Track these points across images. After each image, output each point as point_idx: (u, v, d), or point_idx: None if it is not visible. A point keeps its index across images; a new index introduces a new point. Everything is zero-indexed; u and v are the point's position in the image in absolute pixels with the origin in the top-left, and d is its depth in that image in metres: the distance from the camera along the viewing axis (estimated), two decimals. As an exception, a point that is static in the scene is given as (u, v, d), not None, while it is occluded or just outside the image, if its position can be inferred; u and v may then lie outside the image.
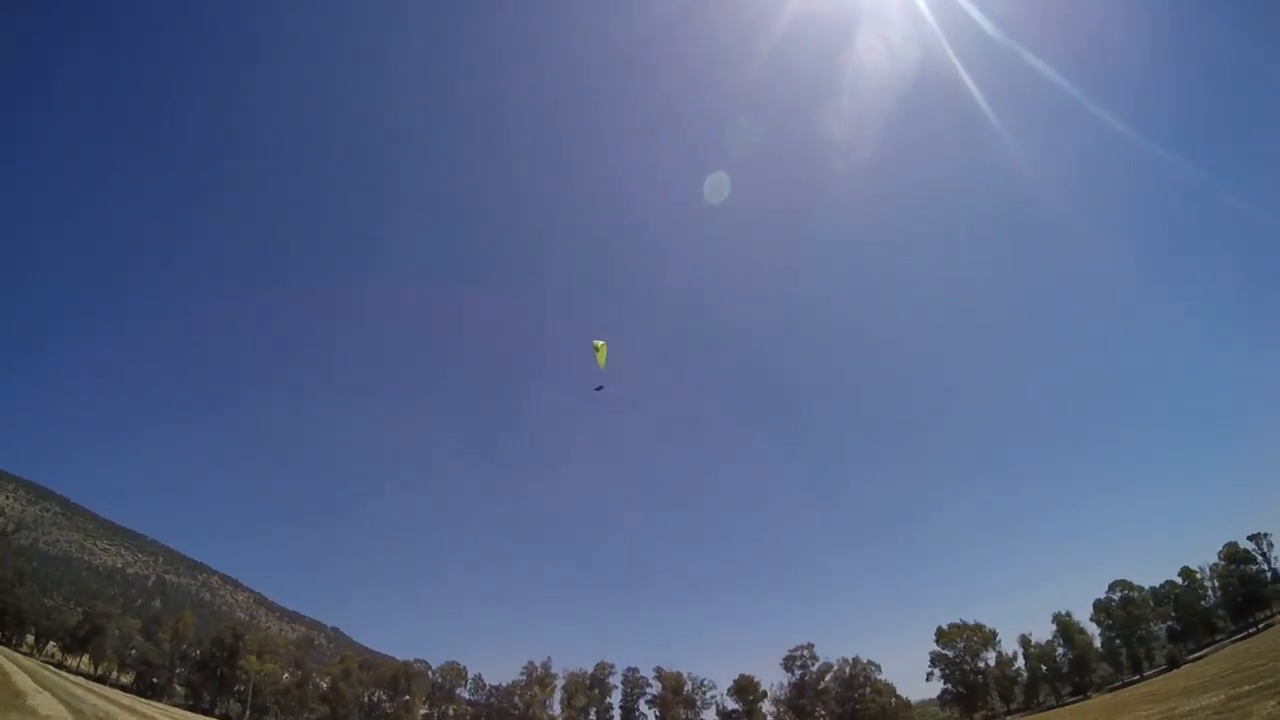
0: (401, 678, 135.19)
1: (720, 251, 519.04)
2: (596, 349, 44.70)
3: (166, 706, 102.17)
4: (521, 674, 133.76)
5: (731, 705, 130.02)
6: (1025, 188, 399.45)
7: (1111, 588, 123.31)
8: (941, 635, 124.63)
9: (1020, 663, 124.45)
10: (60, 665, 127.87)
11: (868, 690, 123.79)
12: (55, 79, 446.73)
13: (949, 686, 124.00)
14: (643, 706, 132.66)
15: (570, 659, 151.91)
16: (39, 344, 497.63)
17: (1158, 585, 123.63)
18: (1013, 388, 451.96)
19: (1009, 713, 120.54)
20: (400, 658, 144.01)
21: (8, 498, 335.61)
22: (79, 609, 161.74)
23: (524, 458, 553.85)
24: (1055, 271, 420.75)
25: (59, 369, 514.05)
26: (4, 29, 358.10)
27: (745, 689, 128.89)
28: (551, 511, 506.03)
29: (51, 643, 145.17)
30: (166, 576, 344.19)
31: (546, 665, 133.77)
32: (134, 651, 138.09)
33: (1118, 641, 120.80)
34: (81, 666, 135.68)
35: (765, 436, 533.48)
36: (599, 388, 46.86)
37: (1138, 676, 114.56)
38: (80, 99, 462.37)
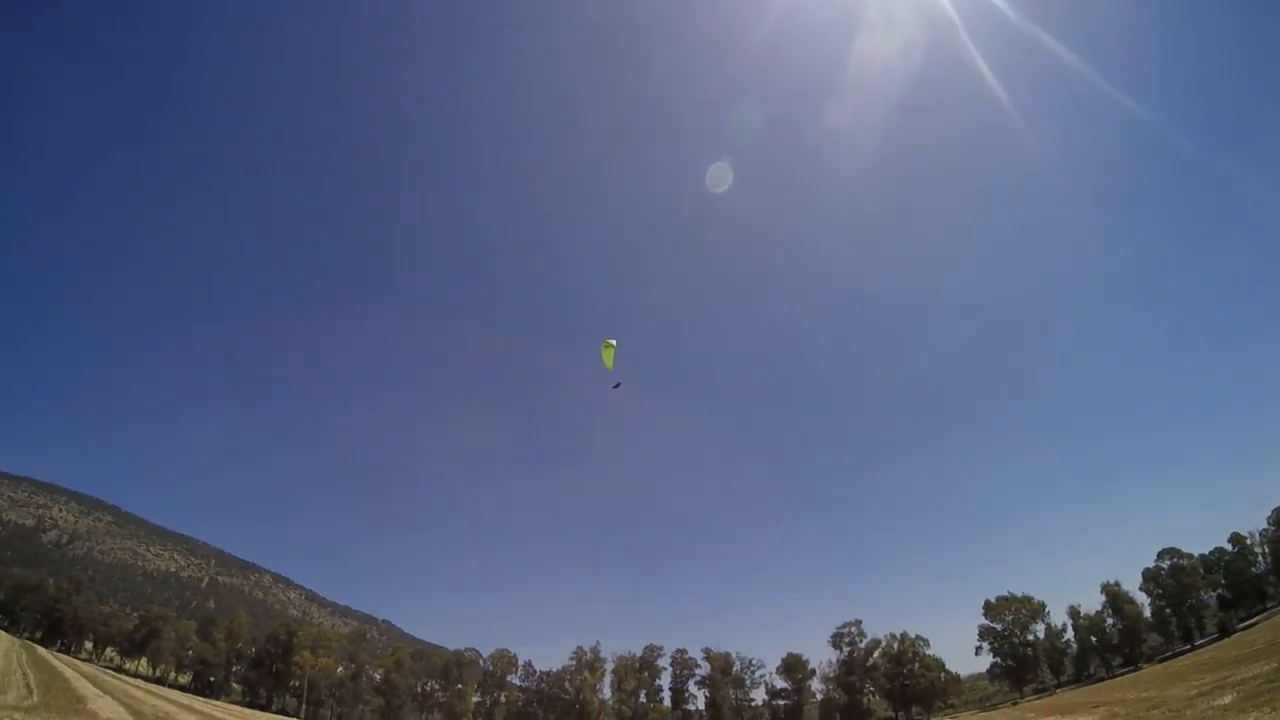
0: (453, 667, 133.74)
1: (747, 232, 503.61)
2: (606, 347, 42.97)
3: (224, 704, 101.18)
4: (571, 659, 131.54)
5: (780, 684, 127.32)
6: (1042, 174, 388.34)
7: (1160, 556, 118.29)
8: (990, 608, 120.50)
9: (1070, 634, 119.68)
10: (119, 669, 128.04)
11: (916, 665, 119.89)
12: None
13: (998, 660, 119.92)
14: (692, 687, 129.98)
15: (619, 643, 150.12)
16: (86, 362, 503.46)
17: (1207, 552, 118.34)
18: (1059, 361, 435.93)
19: (1059, 685, 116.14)
20: (451, 647, 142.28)
21: (61, 510, 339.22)
22: (135, 614, 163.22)
23: (565, 446, 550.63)
24: (1089, 251, 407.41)
25: (103, 386, 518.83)
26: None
27: (794, 667, 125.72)
28: (596, 498, 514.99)
29: (110, 648, 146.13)
30: (219, 578, 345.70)
31: (596, 650, 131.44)
32: (190, 652, 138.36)
33: (1168, 611, 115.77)
34: (140, 669, 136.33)
35: (808, 417, 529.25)
36: (616, 385, 44.94)
37: (1188, 646, 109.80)
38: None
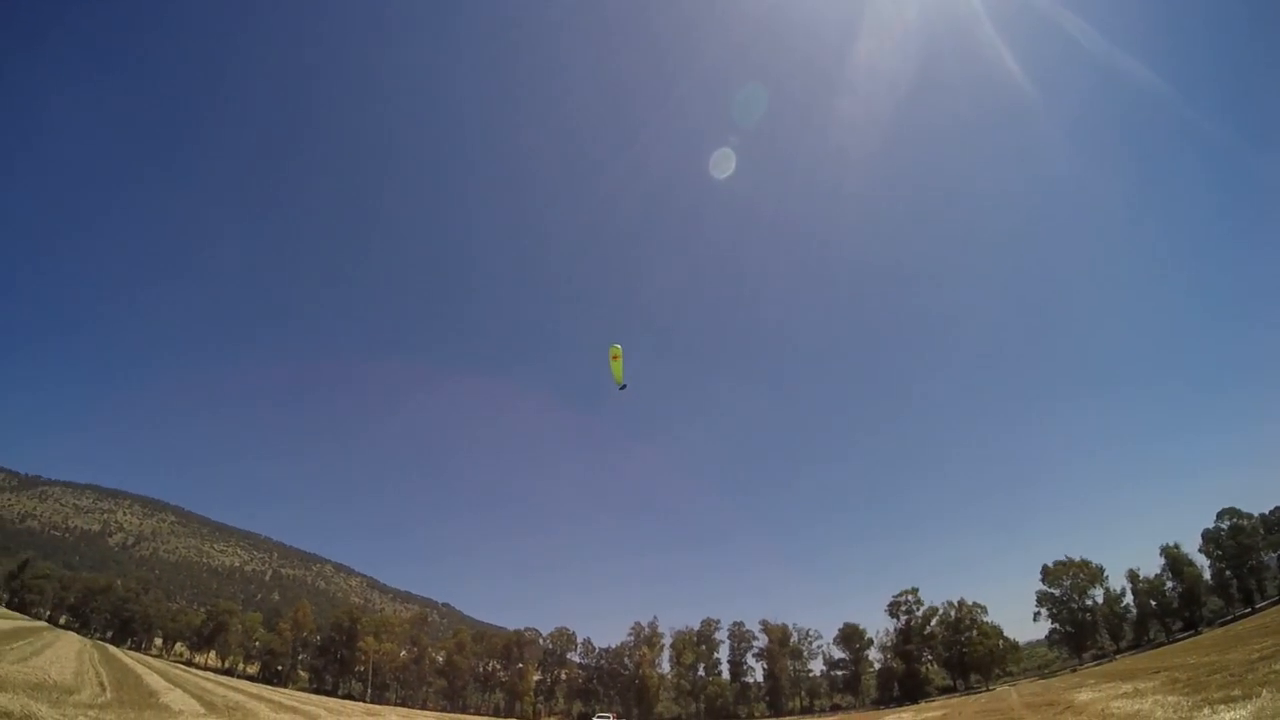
0: (514, 646, 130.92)
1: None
2: (614, 358, 40.21)
3: (292, 691, 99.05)
4: (629, 635, 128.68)
5: (838, 654, 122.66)
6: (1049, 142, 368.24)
7: (1220, 516, 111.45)
8: (1047, 573, 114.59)
9: (1129, 599, 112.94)
10: (189, 663, 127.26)
11: (974, 633, 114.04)
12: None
13: (1056, 626, 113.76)
14: (750, 659, 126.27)
15: (676, 617, 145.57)
16: (140, 368, 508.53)
17: (1268, 512, 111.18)
18: (1115, 318, 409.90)
19: (1118, 651, 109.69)
20: (511, 628, 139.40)
21: (125, 514, 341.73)
22: (202, 609, 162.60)
23: (619, 425, 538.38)
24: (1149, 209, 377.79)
25: (159, 391, 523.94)
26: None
27: (851, 637, 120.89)
28: (651, 477, 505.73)
29: (179, 643, 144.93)
30: (282, 570, 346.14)
31: (654, 625, 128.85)
32: (257, 643, 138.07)
33: (1228, 573, 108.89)
34: (209, 662, 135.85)
35: (856, 387, 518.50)
36: (623, 387, 41.85)
37: (1249, 609, 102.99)
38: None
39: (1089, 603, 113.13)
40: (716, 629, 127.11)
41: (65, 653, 52.25)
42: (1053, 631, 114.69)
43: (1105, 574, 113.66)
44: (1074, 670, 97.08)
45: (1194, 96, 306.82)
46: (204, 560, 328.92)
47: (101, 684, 37.22)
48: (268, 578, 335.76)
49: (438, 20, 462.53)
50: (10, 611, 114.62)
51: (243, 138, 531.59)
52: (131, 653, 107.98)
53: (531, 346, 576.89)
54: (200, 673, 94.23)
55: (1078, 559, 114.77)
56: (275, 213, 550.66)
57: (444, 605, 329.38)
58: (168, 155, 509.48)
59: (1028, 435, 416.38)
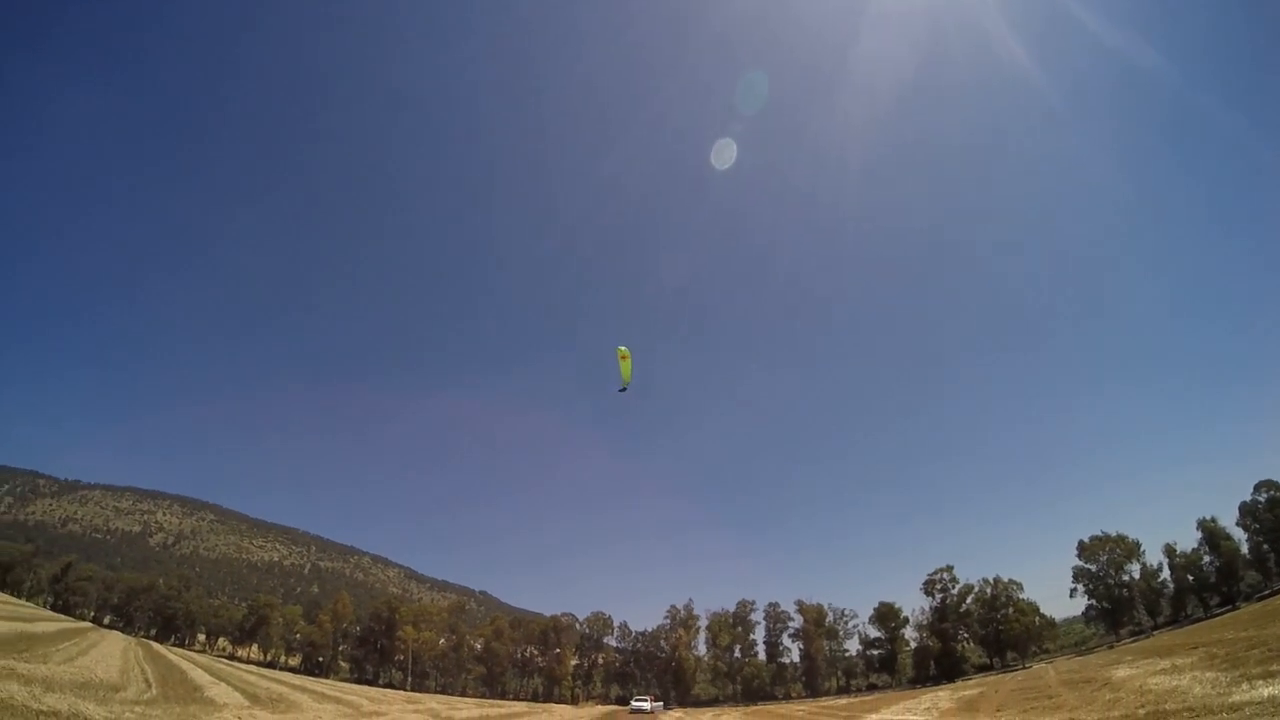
0: (551, 632, 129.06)
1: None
2: (622, 358, 38.92)
3: (334, 682, 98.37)
4: (665, 618, 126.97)
5: (874, 633, 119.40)
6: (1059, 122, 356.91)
7: (1257, 489, 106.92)
8: (1083, 549, 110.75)
9: (1166, 574, 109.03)
10: (232, 657, 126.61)
11: (1010, 610, 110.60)
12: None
13: (1093, 602, 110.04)
14: (786, 640, 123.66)
15: (712, 599, 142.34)
16: (175, 371, 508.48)
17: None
18: (1144, 294, 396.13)
19: (1156, 627, 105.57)
20: (548, 613, 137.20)
21: (165, 514, 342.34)
22: (243, 604, 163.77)
23: (651, 410, 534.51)
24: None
25: (195, 392, 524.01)
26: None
27: (887, 616, 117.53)
28: (681, 460, 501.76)
29: (221, 638, 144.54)
30: (320, 563, 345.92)
31: (689, 607, 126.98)
32: (298, 635, 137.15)
33: (1265, 546, 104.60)
34: (251, 656, 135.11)
35: (890, 366, 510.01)
36: (622, 389, 40.48)
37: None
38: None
39: (1125, 578, 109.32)
40: (752, 610, 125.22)
41: (110, 651, 50.27)
42: (1089, 608, 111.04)
43: (1142, 549, 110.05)
44: (1111, 647, 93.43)
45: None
46: (243, 556, 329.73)
47: (147, 680, 36.32)
48: (306, 571, 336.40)
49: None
50: (55, 613, 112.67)
51: (263, 134, 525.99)
52: (175, 649, 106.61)
53: (561, 333, 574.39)
54: (243, 666, 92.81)
55: (1114, 534, 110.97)
56: (296, 210, 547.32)
57: (481, 593, 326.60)
58: (197, 157, 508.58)
59: (1063, 412, 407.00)
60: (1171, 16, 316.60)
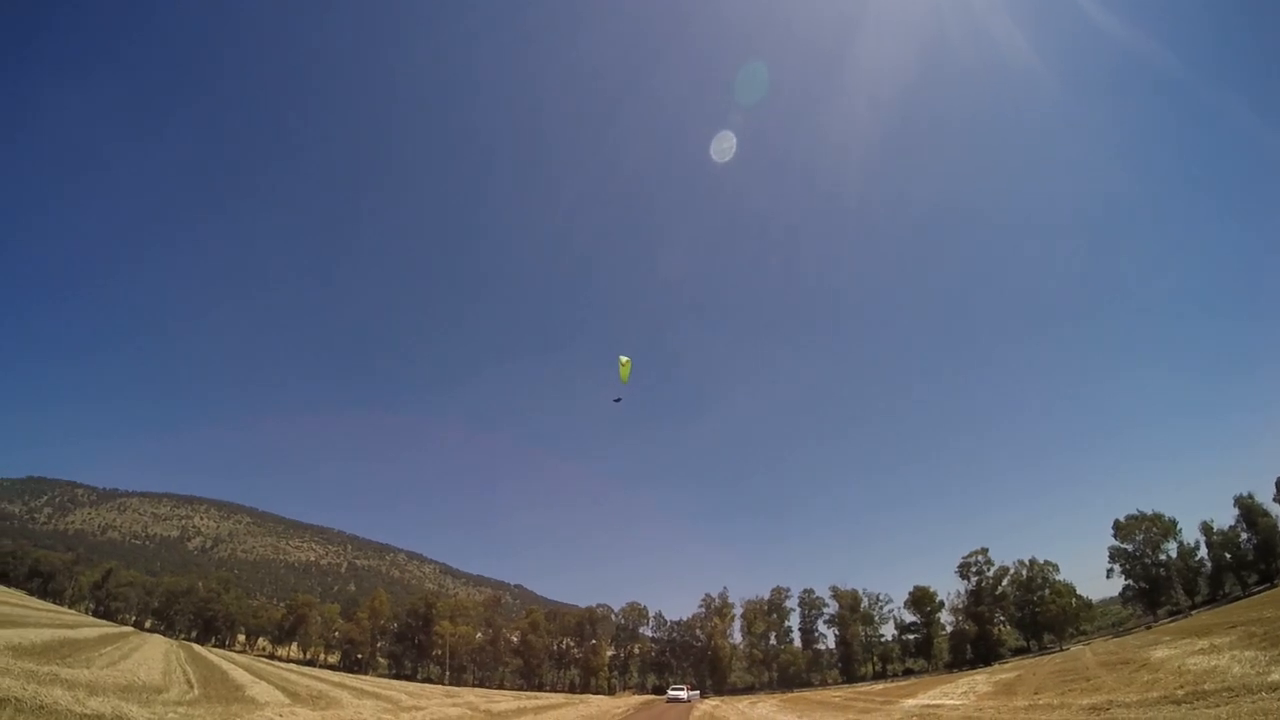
0: (586, 623, 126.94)
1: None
2: (622, 364, 38.15)
3: (373, 678, 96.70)
4: (700, 607, 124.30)
5: (909, 617, 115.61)
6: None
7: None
8: (1119, 528, 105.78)
9: (1203, 552, 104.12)
10: (272, 656, 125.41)
11: (1046, 592, 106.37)
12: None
13: (1130, 582, 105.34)
14: (821, 626, 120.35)
15: (746, 587, 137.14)
16: (208, 378, 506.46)
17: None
18: (1170, 265, 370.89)
19: (1193, 606, 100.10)
20: (583, 605, 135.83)
21: (202, 518, 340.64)
22: (281, 603, 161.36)
23: (681, 398, 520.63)
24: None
25: (227, 397, 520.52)
26: None
27: (922, 600, 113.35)
28: (711, 449, 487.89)
29: (261, 638, 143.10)
30: (356, 561, 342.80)
31: (724, 595, 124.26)
32: (337, 633, 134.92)
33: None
34: (291, 655, 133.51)
35: (919, 346, 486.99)
36: (617, 399, 40.23)
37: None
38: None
39: (1162, 557, 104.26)
40: (787, 597, 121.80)
41: (152, 654, 49.46)
42: (1126, 588, 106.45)
43: (1178, 527, 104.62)
44: (1148, 627, 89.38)
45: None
46: (280, 557, 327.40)
47: (189, 681, 35.71)
48: (343, 570, 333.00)
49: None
50: (97, 619, 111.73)
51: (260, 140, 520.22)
52: (216, 650, 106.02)
53: (581, 325, 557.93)
54: (283, 665, 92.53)
55: (1150, 512, 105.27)
56: (310, 205, 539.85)
57: (516, 587, 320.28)
58: (243, 166, 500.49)
59: (1095, 388, 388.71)
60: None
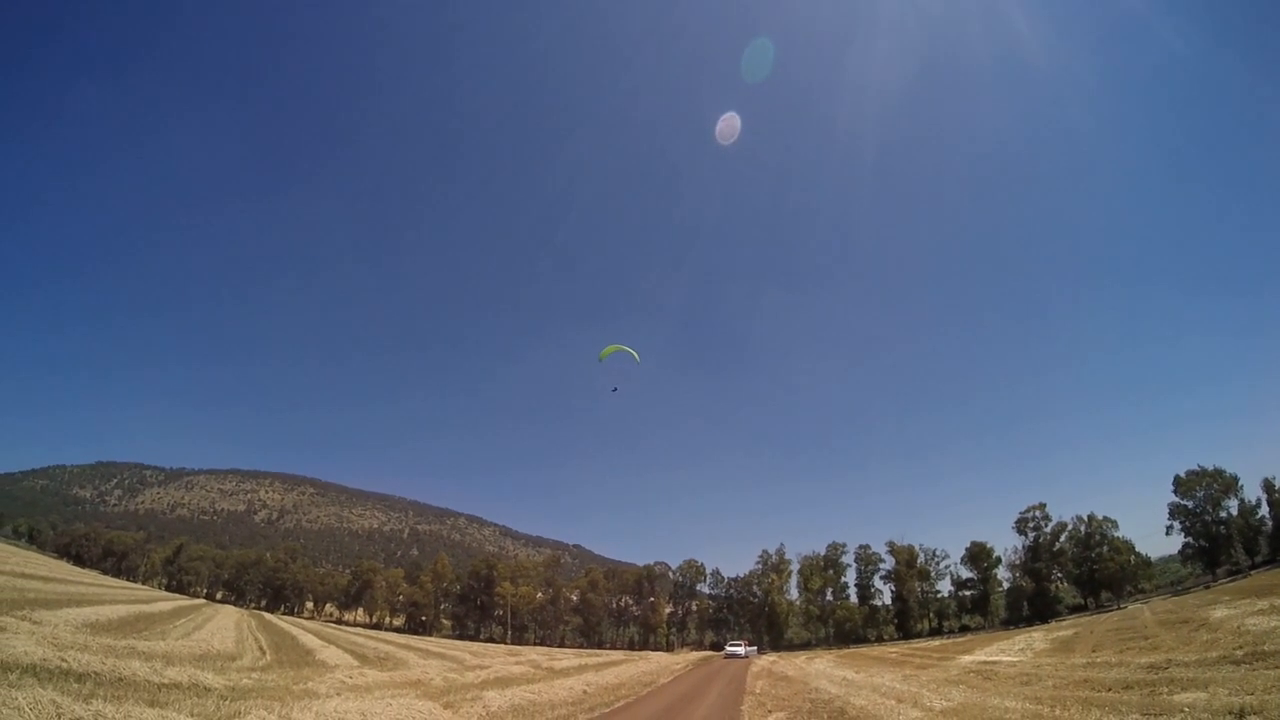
0: (644, 581, 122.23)
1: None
2: (613, 350, 36.61)
3: (437, 639, 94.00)
4: (758, 563, 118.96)
5: (966, 574, 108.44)
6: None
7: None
8: (1180, 484, 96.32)
9: (1264, 510, 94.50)
10: (339, 621, 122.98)
11: (1105, 549, 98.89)
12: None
13: (1190, 540, 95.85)
14: (878, 582, 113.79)
15: (803, 543, 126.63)
16: (268, 355, 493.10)
17: None
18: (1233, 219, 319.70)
19: (1253, 566, 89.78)
20: (641, 563, 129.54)
21: (267, 492, 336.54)
22: (347, 570, 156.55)
23: (737, 357, 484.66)
24: None
25: (287, 372, 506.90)
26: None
27: (978, 556, 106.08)
28: (769, 407, 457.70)
29: (329, 604, 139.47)
30: (418, 526, 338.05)
31: (781, 552, 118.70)
32: (401, 597, 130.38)
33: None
34: (358, 619, 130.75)
35: (982, 301, 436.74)
36: (614, 389, 39.31)
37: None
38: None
39: (1223, 515, 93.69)
40: (843, 553, 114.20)
41: (225, 624, 48.40)
42: (1186, 546, 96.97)
43: (1240, 484, 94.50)
44: (1207, 587, 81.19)
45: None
46: (344, 525, 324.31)
47: (261, 648, 35.04)
48: (405, 535, 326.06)
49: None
50: (170, 593, 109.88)
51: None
52: (286, 617, 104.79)
53: (645, 289, 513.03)
54: (350, 629, 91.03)
55: (1211, 468, 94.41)
56: (353, 178, 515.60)
57: (575, 546, 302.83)
58: (300, 154, 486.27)
59: (1156, 342, 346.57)
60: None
